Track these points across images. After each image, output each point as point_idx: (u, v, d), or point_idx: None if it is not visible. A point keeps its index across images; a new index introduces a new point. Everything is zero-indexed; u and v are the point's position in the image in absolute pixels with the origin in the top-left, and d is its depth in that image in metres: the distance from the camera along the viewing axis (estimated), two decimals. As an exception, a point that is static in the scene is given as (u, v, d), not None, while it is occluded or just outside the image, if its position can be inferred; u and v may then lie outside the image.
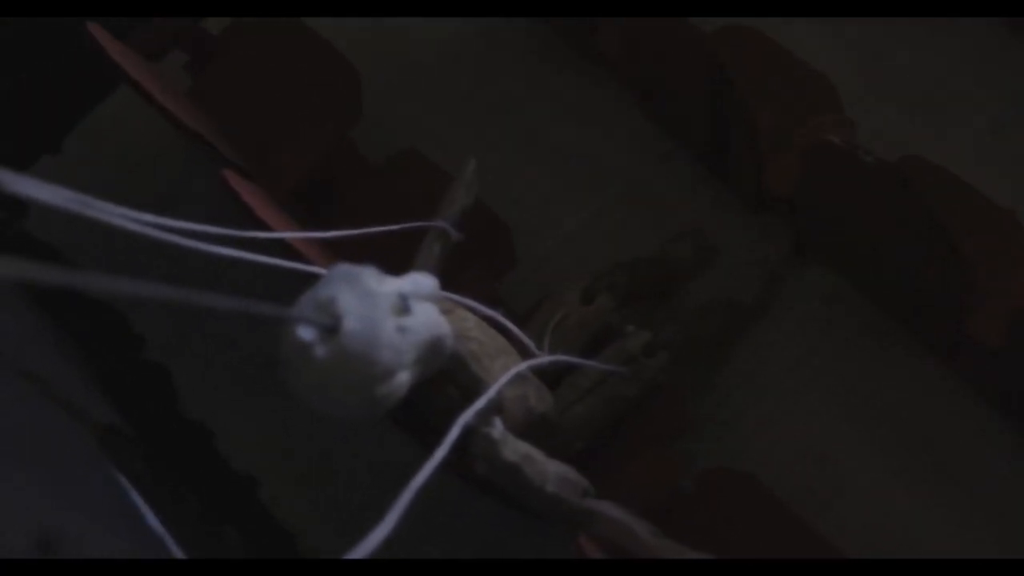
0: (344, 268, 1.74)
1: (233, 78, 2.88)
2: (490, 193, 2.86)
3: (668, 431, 2.26)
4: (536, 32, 3.10)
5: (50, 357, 2.07)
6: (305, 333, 1.66)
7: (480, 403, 1.82)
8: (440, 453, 1.61)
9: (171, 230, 1.73)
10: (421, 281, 1.83)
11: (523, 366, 1.98)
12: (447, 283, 2.38)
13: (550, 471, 1.97)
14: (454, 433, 1.67)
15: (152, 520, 1.90)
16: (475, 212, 2.55)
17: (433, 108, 3.11)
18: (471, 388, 1.91)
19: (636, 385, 2.27)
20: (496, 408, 1.94)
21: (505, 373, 1.94)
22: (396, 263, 2.39)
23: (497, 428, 1.92)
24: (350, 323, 1.66)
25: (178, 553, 1.90)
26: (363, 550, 1.31)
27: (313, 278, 1.82)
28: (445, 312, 2.00)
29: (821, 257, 2.57)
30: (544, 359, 2.15)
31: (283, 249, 2.22)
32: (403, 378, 1.73)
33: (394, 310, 1.71)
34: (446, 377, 1.93)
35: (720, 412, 2.59)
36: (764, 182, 2.40)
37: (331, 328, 1.66)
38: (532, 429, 2.09)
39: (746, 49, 2.61)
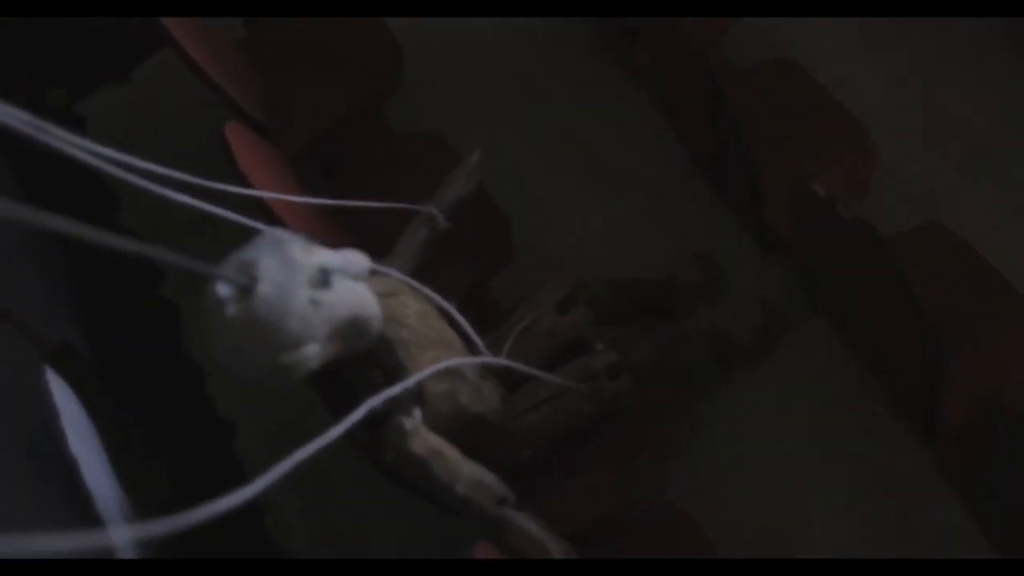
0: (275, 233, 1.75)
1: (281, 37, 2.92)
2: (507, 187, 2.86)
3: (622, 455, 2.20)
4: (577, 32, 3.06)
5: (23, 274, 2.11)
6: (222, 290, 1.69)
7: (395, 390, 1.81)
8: (337, 430, 1.61)
9: (133, 169, 1.77)
10: (352, 259, 1.83)
11: (452, 362, 1.96)
12: (428, 269, 2.40)
13: (464, 472, 1.94)
14: (358, 414, 1.67)
15: (73, 446, 1.94)
16: (476, 203, 2.53)
17: (470, 96, 3.11)
18: (394, 374, 1.91)
19: (593, 404, 2.22)
20: (416, 399, 1.93)
21: (432, 365, 1.93)
22: (386, 241, 2.42)
23: (412, 419, 1.91)
24: (263, 287, 1.68)
25: (94, 483, 1.94)
26: (221, 505, 1.32)
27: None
28: (387, 296, 1.99)
29: (819, 305, 2.48)
30: (489, 360, 2.12)
31: (261, 209, 2.24)
32: (312, 350, 1.73)
33: (311, 282, 1.71)
34: (373, 359, 1.92)
35: (696, 444, 2.53)
36: (764, 219, 2.32)
37: (246, 289, 1.69)
38: (463, 427, 2.07)
39: (783, 82, 2.55)
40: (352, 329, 1.83)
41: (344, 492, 2.72)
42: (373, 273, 2.09)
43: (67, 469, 1.90)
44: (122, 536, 1.99)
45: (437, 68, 3.14)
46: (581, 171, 2.95)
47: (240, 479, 2.47)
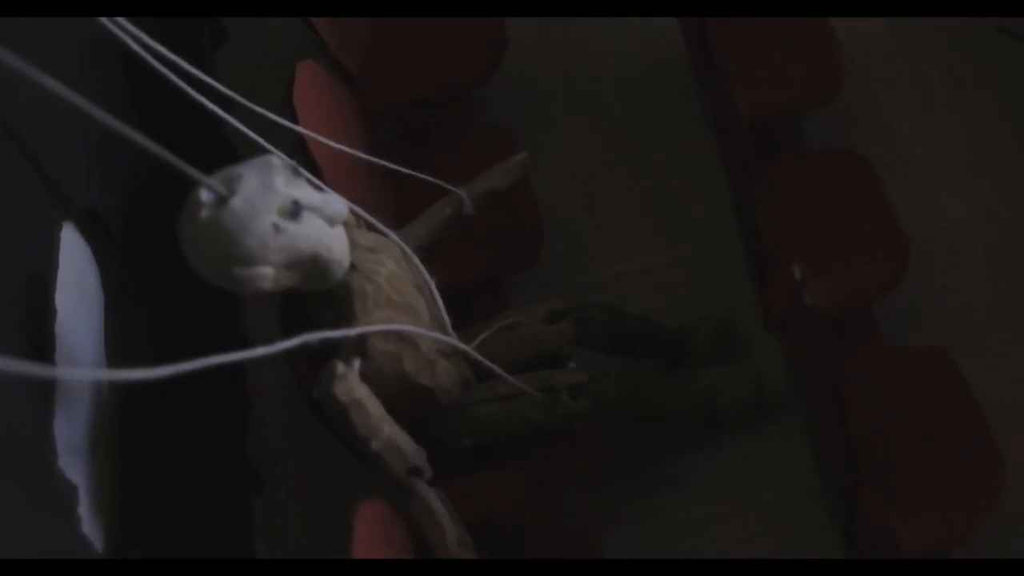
0: (269, 158, 1.88)
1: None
2: (564, 200, 2.95)
3: (547, 467, 2.25)
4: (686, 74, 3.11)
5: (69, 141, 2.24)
6: (203, 195, 1.83)
7: (333, 334, 1.91)
8: (265, 351, 1.72)
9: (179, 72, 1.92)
10: (331, 202, 1.93)
11: (403, 328, 2.04)
12: (445, 246, 2.49)
13: (383, 432, 2.03)
14: (291, 343, 1.78)
15: (59, 298, 2.10)
16: (518, 201, 2.61)
17: (564, 105, 3.17)
18: (342, 319, 2.01)
19: (544, 415, 2.26)
20: (358, 350, 2.02)
21: (383, 324, 2.03)
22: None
23: (349, 367, 2.00)
24: (236, 201, 1.81)
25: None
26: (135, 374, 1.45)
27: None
28: (368, 249, 2.09)
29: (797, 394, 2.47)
30: (447, 339, 2.19)
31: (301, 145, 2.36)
32: (265, 272, 1.85)
33: (281, 210, 1.83)
34: (330, 301, 2.03)
35: (642, 493, 2.55)
36: (766, 298, 2.32)
37: (223, 199, 1.82)
38: (407, 394, 2.15)
39: (844, 173, 2.54)
40: (312, 266, 1.94)
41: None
42: (371, 228, 2.21)
43: (41, 315, 2.06)
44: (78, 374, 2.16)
45: (543, 71, 3.23)
46: (642, 208, 2.98)
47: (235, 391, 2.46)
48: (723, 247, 2.80)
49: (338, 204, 1.93)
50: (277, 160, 1.88)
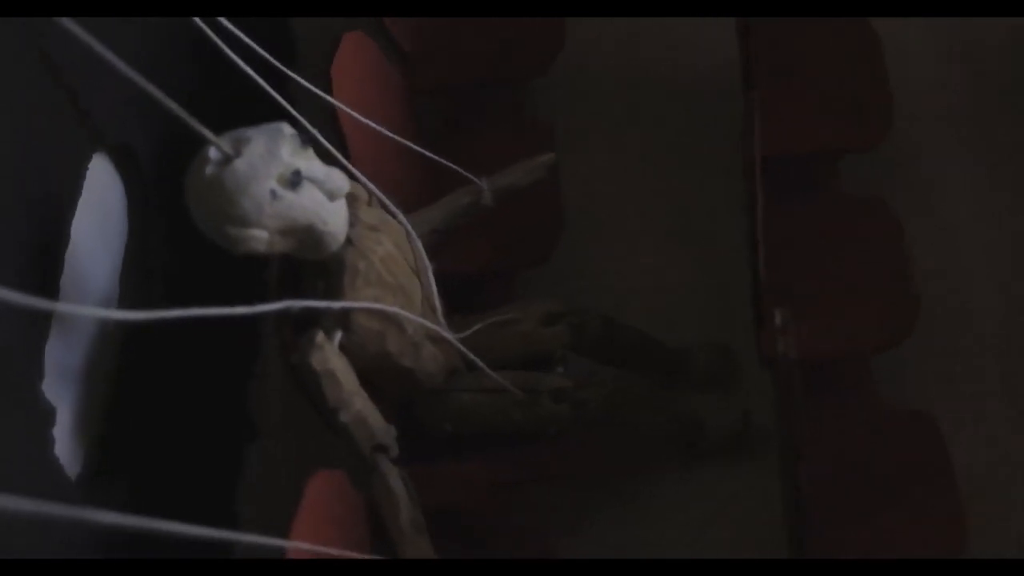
0: (280, 126, 1.94)
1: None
2: (595, 206, 2.98)
3: (526, 473, 2.29)
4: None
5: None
6: (212, 153, 1.89)
7: (316, 304, 1.96)
8: (245, 310, 1.77)
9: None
10: (333, 176, 1.97)
11: (387, 308, 2.07)
12: (459, 236, 2.52)
13: (353, 405, 2.07)
14: (272, 307, 1.84)
15: (76, 226, 2.18)
16: (543, 200, 2.64)
17: (615, 113, 3.19)
18: (331, 291, 2.06)
19: (524, 415, 2.29)
20: (341, 323, 2.06)
21: (368, 302, 2.07)
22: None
23: (329, 338, 2.04)
24: (239, 163, 1.88)
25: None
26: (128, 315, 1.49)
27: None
28: (369, 227, 2.13)
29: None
30: (432, 325, 2.20)
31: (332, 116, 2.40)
32: (258, 235, 1.91)
33: (280, 177, 1.89)
34: (322, 271, 2.07)
35: (604, 505, 2.56)
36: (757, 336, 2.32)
37: (228, 158, 1.88)
38: (386, 372, 2.19)
39: (863, 219, 2.52)
40: (306, 235, 1.99)
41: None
42: (381, 205, 2.24)
43: (54, 240, 2.14)
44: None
45: (597, 72, 3.23)
46: (666, 225, 2.99)
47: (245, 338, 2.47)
48: (737, 278, 2.75)
49: (340, 180, 1.97)
50: (289, 129, 1.93)
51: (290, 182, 1.88)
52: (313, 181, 1.92)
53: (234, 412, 2.88)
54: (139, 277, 2.48)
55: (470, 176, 2.46)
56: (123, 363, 2.38)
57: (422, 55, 2.90)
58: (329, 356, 2.03)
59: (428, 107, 2.98)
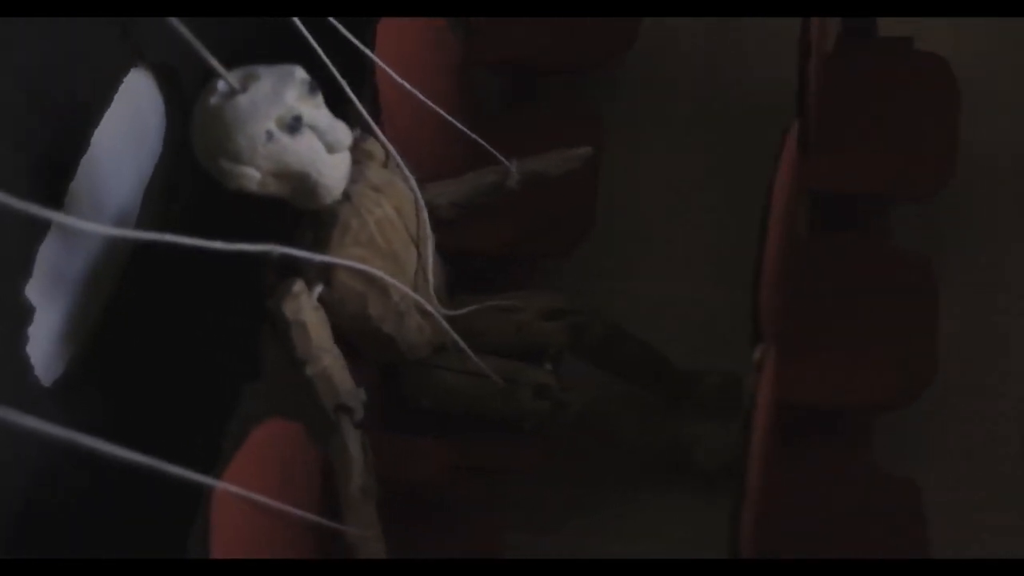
0: (293, 69, 1.92)
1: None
2: (631, 203, 2.91)
3: (490, 462, 2.25)
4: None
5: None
6: (220, 84, 1.89)
7: (296, 252, 1.92)
8: (221, 245, 1.75)
9: None
10: (335, 129, 1.95)
11: (369, 269, 2.04)
12: (482, 213, 2.47)
13: (321, 360, 2.05)
14: (254, 248, 1.81)
15: (98, 136, 2.21)
16: (577, 193, 2.58)
17: (673, 117, 3.11)
18: (318, 243, 2.05)
19: (501, 404, 2.25)
20: (322, 276, 2.05)
21: (352, 260, 2.05)
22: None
23: (309, 289, 2.02)
24: (242, 98, 1.88)
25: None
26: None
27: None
28: (372, 186, 2.10)
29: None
30: (416, 298, 2.15)
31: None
32: (250, 173, 1.91)
33: (279, 120, 1.88)
34: (314, 221, 2.06)
35: (567, 512, 2.51)
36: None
37: (234, 92, 1.88)
38: (365, 334, 2.18)
39: (896, 270, 2.41)
40: (299, 183, 1.97)
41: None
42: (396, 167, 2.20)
43: (70, 144, 2.16)
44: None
45: (665, 71, 3.17)
46: (698, 241, 2.90)
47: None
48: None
49: (342, 134, 1.95)
50: (300, 73, 1.92)
51: (288, 126, 1.87)
52: (314, 129, 1.91)
53: (238, 349, 2.90)
54: (162, 197, 2.50)
55: (498, 156, 2.42)
56: (127, 278, 2.40)
57: (487, 28, 2.86)
58: (303, 306, 2.02)
59: (488, 82, 2.96)
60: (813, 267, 2.40)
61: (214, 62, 1.86)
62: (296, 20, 2.00)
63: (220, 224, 2.53)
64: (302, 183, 1.95)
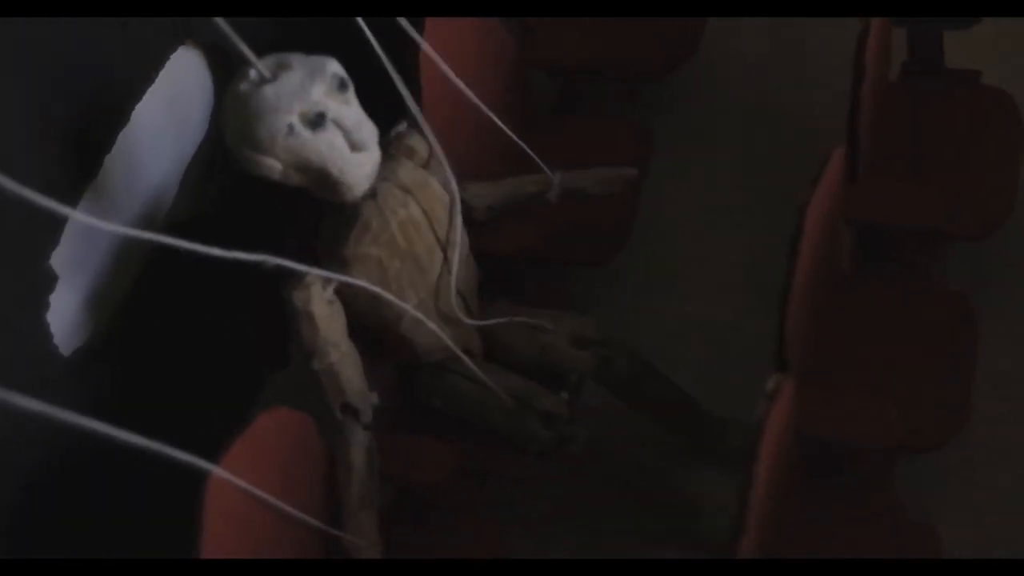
0: (326, 62, 1.91)
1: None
2: (672, 218, 2.87)
3: (495, 469, 2.22)
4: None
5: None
6: (252, 72, 1.89)
7: (294, 266, 1.91)
8: (219, 252, 1.74)
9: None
10: (360, 127, 1.93)
11: (372, 287, 2.01)
12: (513, 216, 2.44)
13: (328, 355, 2.03)
14: (249, 257, 1.79)
15: (140, 109, 2.22)
16: (615, 208, 2.54)
17: (730, 135, 3.04)
18: (337, 239, 2.04)
19: (510, 422, 2.20)
20: (341, 269, 2.03)
21: (366, 262, 2.03)
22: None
23: (321, 280, 2.00)
24: (268, 88, 1.88)
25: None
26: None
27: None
28: (401, 186, 2.07)
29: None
30: (408, 308, 2.09)
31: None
32: (271, 163, 1.91)
33: (303, 114, 1.87)
34: (337, 215, 2.05)
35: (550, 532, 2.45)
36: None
37: (262, 81, 1.87)
38: (380, 333, 2.16)
39: (935, 310, 2.33)
40: (320, 178, 1.96)
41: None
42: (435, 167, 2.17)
43: (111, 116, 2.17)
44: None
45: (727, 84, 3.11)
46: (745, 273, 2.80)
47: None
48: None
49: (367, 134, 1.92)
50: (332, 68, 1.89)
51: (311, 122, 1.85)
52: (340, 127, 1.89)
53: (268, 337, 2.88)
54: (200, 178, 2.51)
55: (542, 165, 2.39)
56: (157, 256, 2.38)
57: (543, 30, 2.83)
58: (313, 298, 1.99)
59: (545, 85, 2.92)
60: (851, 299, 2.32)
61: (245, 48, 1.85)
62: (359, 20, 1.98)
63: (254, 208, 2.57)
64: (323, 178, 1.94)
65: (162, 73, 2.30)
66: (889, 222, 2.35)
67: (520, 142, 2.36)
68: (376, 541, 2.04)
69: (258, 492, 1.79)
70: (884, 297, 2.34)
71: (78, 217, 1.77)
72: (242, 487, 1.78)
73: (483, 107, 2.33)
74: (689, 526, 2.42)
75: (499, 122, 2.33)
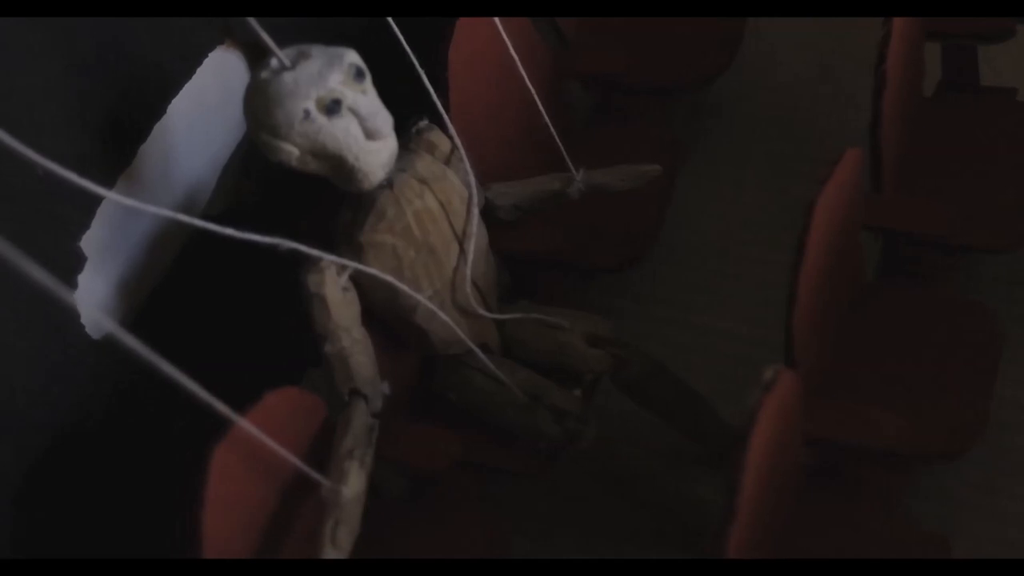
0: (344, 52, 1.97)
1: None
2: (701, 227, 2.89)
3: (499, 461, 2.23)
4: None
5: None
6: (274, 61, 1.95)
7: (309, 251, 1.92)
8: (232, 232, 1.77)
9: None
10: (376, 116, 1.98)
11: (384, 276, 2.03)
12: (538, 215, 2.47)
13: (340, 340, 2.06)
14: (263, 239, 1.81)
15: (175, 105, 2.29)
16: (643, 211, 2.56)
17: (767, 150, 3.02)
18: (354, 226, 2.08)
19: (517, 418, 2.22)
20: (357, 257, 2.07)
21: (381, 249, 2.07)
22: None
23: (336, 266, 2.04)
24: (287, 75, 1.94)
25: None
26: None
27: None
28: (418, 176, 2.12)
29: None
30: (419, 298, 2.11)
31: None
32: (289, 148, 1.97)
33: (319, 101, 1.92)
34: (355, 202, 2.10)
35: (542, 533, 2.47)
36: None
37: (282, 69, 1.93)
38: (396, 321, 2.19)
39: (956, 320, 2.31)
40: (336, 164, 2.01)
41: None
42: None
43: (147, 108, 2.24)
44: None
45: (763, 97, 3.10)
46: (772, 288, 2.70)
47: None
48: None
49: (382, 122, 1.97)
50: (351, 57, 1.95)
51: (327, 108, 1.91)
52: (355, 114, 1.94)
53: (305, 333, 2.91)
54: (236, 174, 2.57)
55: (571, 166, 2.42)
56: (192, 245, 2.44)
57: (579, 38, 2.87)
58: (326, 281, 2.02)
59: (583, 95, 2.96)
60: (872, 309, 2.31)
61: (266, 37, 1.92)
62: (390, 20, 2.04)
63: (287, 207, 2.61)
64: (339, 165, 1.99)
65: (200, 70, 2.38)
66: (915, 231, 2.33)
67: (555, 136, 2.40)
68: (359, 493, 1.97)
69: (270, 441, 1.78)
70: (907, 307, 2.31)
71: (113, 197, 1.80)
72: (255, 435, 1.77)
73: (534, 93, 2.37)
74: (695, 531, 2.41)
75: (543, 113, 2.36)
